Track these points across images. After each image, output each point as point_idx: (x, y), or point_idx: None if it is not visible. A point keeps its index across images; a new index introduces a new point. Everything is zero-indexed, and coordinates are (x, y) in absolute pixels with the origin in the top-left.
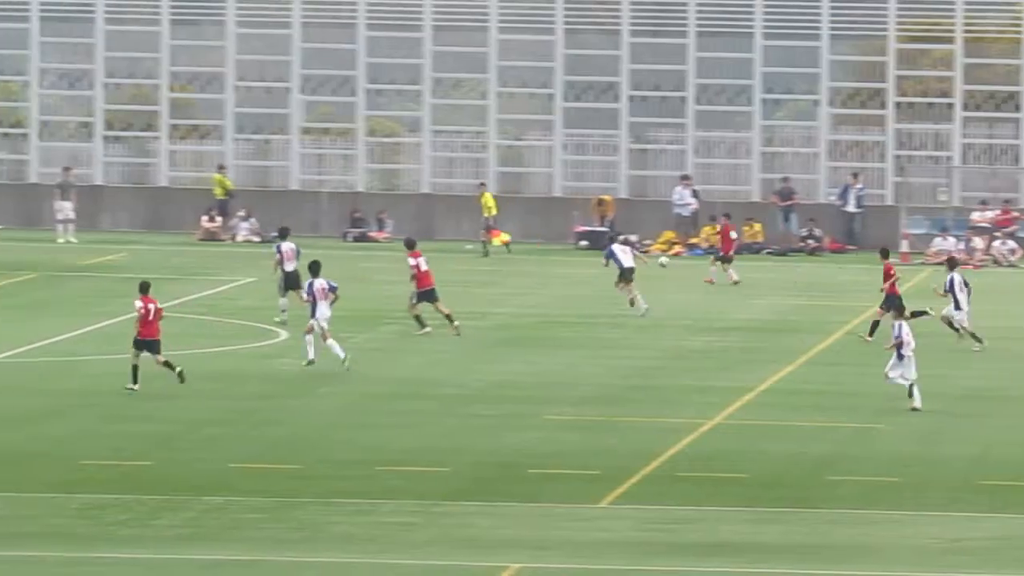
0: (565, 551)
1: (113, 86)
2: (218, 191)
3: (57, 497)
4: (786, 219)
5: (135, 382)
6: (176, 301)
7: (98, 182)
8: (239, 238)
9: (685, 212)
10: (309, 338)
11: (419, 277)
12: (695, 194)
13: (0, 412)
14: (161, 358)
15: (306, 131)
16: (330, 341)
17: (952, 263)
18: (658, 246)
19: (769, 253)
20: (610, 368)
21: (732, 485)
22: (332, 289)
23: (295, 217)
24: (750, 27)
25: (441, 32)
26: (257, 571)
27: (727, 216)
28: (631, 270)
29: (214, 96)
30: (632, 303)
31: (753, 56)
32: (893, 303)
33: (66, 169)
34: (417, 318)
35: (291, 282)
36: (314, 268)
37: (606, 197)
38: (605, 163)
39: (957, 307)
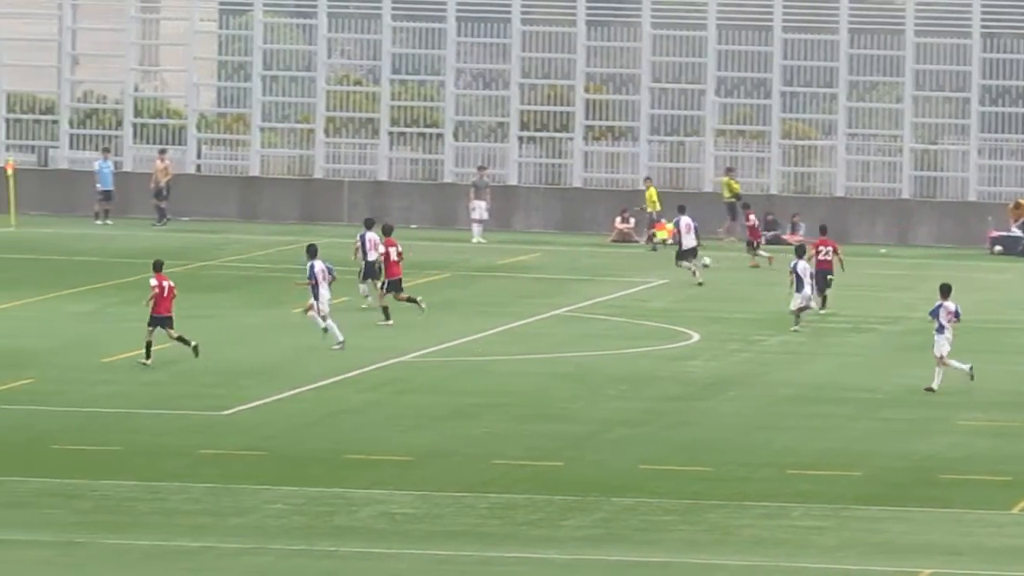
0: (976, 557)
1: (528, 86)
2: (726, 193)
3: (467, 496)
4: None
5: (147, 357)
6: (587, 302)
7: (512, 182)
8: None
9: None
10: (330, 323)
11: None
12: None
13: (412, 411)
14: (175, 333)
15: (720, 133)
16: (329, 322)
17: None
18: None
19: None
20: (1022, 374)
21: None
22: (330, 271)
23: (713, 218)
24: None
25: (857, 35)
26: (668, 573)
27: None
28: None
29: (628, 98)
30: None
31: None
32: None
33: (480, 169)
34: (384, 310)
35: (370, 271)
36: (312, 251)
37: (1023, 200)
38: (1023, 168)
39: None
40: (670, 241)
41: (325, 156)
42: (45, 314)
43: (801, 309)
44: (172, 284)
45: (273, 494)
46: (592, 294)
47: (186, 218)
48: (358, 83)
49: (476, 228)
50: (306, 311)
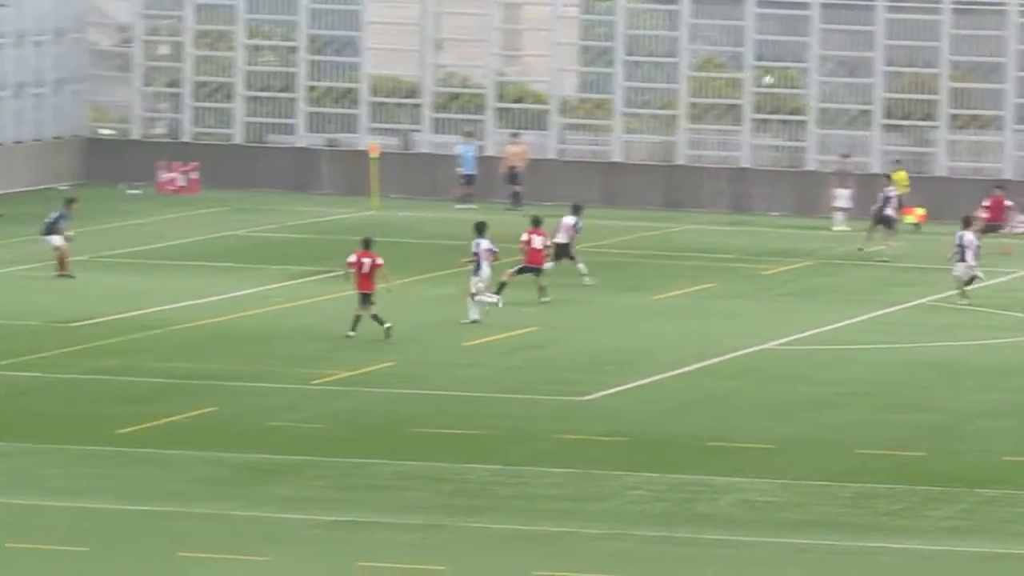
0: None
1: (893, 74)
2: None
3: (829, 485)
4: None
5: (353, 330)
6: (951, 292)
7: (875, 170)
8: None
9: None
10: (481, 299)
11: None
12: None
13: (773, 399)
14: (373, 310)
15: None
16: (479, 297)
17: None
18: None
19: None
20: None
21: None
22: (493, 252)
23: None
24: None
25: None
26: None
27: None
28: None
29: (993, 86)
30: None
31: None
32: None
33: (843, 156)
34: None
35: (561, 252)
36: (479, 228)
37: None
38: None
39: None
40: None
41: (687, 142)
42: (405, 298)
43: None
44: (378, 261)
45: (633, 480)
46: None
47: (548, 203)
48: (720, 68)
49: (838, 216)
50: (472, 295)
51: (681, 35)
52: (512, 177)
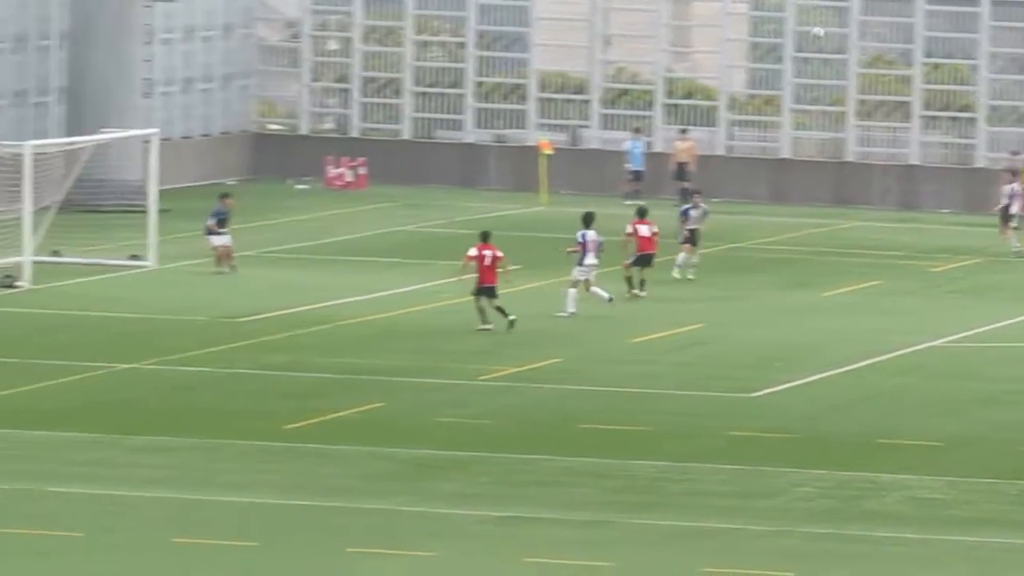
0: None
1: None
2: None
3: (998, 483)
4: None
5: (484, 323)
6: None
7: None
8: None
9: None
10: (572, 292)
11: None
12: None
13: (941, 397)
14: (496, 302)
15: None
16: (594, 289)
17: None
18: None
19: None
20: None
21: None
22: (600, 244)
23: None
24: None
25: None
26: None
27: None
28: None
29: None
30: None
31: None
32: None
33: (1014, 154)
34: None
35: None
36: (587, 219)
37: None
38: None
39: None
40: None
41: (856, 139)
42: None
43: None
44: (499, 254)
45: (801, 476)
46: None
47: (716, 199)
48: (889, 65)
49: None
50: (586, 287)
51: (851, 32)
52: (681, 173)
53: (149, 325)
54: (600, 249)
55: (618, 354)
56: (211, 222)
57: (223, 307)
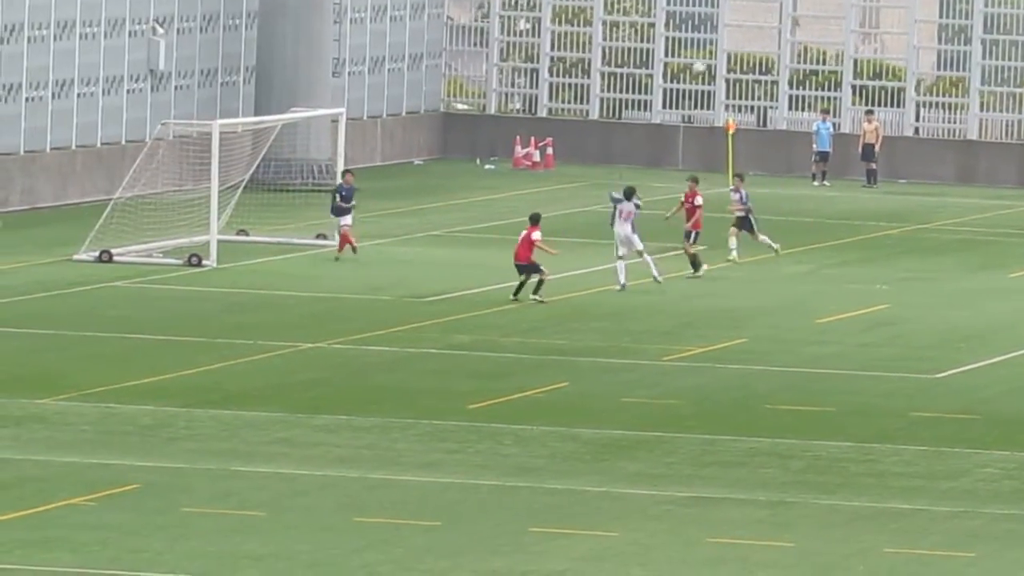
0: None
1: None
2: None
3: None
4: None
5: (520, 294)
6: None
7: None
8: None
9: None
10: (621, 264)
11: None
12: None
13: None
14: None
15: None
16: (647, 257)
17: None
18: None
19: None
20: None
21: None
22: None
23: None
24: None
25: None
26: None
27: None
28: None
29: None
30: None
31: None
32: None
33: None
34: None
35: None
36: (628, 193)
37: None
38: None
39: None
40: None
41: None
42: (760, 275)
43: None
44: (536, 238)
45: (985, 458)
46: None
47: (903, 180)
48: None
49: None
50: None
51: None
52: (867, 154)
53: (335, 304)
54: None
55: (803, 335)
56: (337, 199)
57: (409, 286)
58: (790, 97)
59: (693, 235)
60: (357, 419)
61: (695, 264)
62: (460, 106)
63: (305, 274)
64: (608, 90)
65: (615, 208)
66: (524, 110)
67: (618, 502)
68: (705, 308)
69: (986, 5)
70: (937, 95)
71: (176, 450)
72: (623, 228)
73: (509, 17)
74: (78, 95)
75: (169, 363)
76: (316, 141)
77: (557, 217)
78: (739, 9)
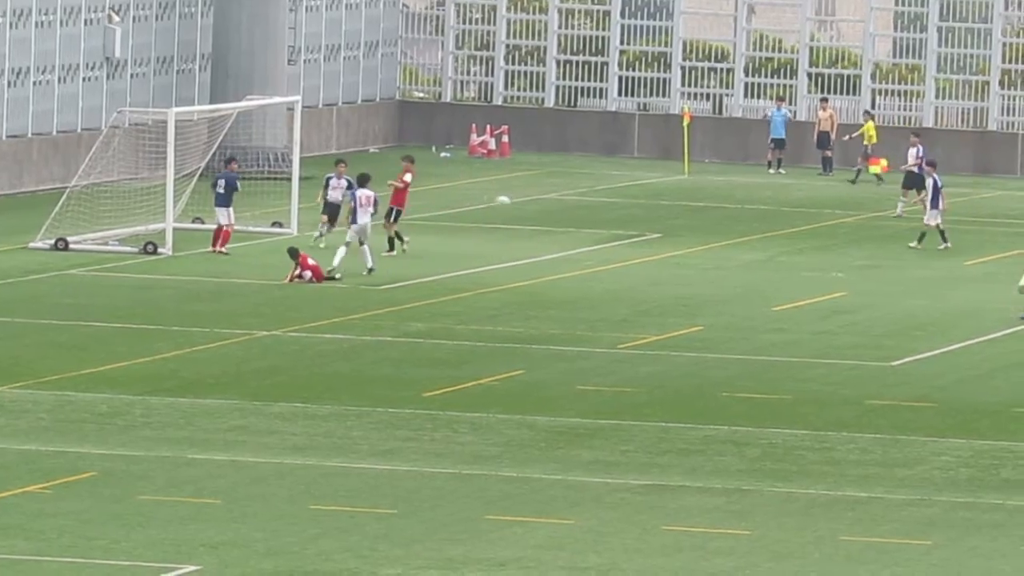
0: None
1: None
2: None
3: None
4: None
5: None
6: None
7: None
8: None
9: None
10: (365, 248)
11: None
12: None
13: None
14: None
15: None
16: (364, 247)
17: None
18: None
19: None
20: None
21: None
22: (371, 200)
23: None
24: None
25: None
26: None
27: None
28: None
29: None
30: None
31: None
32: None
33: None
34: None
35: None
36: (361, 179)
37: None
38: None
39: None
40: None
41: (1000, 108)
42: (715, 262)
43: None
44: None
45: (941, 446)
46: None
47: (857, 168)
48: None
49: None
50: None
51: (995, 1)
52: (823, 142)
53: (290, 292)
54: (373, 209)
55: (759, 322)
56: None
57: (364, 275)
58: (746, 84)
59: (394, 213)
60: (313, 407)
61: (392, 244)
62: (416, 94)
63: (261, 262)
64: (564, 78)
65: (353, 196)
66: (480, 98)
67: (574, 490)
68: (661, 296)
69: None
70: (893, 83)
71: (132, 438)
72: (363, 217)
73: (464, 5)
74: (34, 83)
75: (125, 351)
76: (272, 129)
77: (513, 205)
78: None
